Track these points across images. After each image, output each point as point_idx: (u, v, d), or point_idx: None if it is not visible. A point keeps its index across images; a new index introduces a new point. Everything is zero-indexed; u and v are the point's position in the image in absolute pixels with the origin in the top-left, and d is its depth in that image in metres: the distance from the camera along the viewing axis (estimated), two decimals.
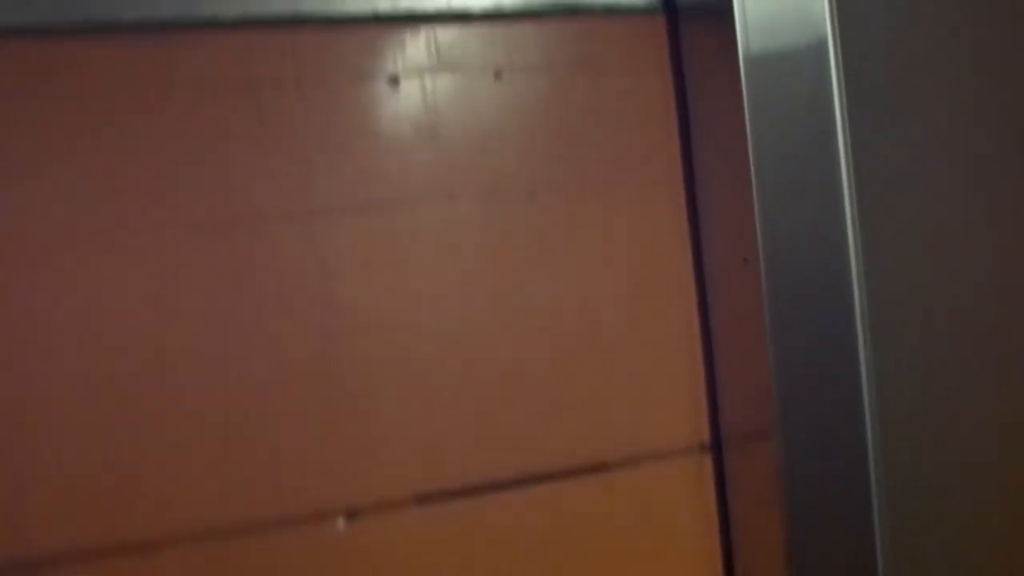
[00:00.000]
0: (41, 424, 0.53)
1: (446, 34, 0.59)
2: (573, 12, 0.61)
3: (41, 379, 0.53)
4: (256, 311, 0.56)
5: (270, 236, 0.56)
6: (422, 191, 0.59)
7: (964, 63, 0.60)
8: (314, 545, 0.56)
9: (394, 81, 0.58)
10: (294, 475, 0.56)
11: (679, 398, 0.63)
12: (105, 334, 0.54)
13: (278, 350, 0.57)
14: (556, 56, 0.61)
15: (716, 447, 0.64)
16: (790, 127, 0.56)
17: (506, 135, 0.60)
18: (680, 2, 0.63)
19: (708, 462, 0.64)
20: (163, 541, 0.54)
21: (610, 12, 0.62)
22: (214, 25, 0.56)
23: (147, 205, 0.55)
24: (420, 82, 0.59)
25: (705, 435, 0.64)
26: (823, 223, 0.57)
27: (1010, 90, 0.61)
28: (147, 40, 0.55)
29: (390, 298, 0.58)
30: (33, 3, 0.54)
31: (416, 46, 0.59)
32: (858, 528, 0.59)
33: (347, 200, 0.58)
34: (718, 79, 0.60)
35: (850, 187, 0.57)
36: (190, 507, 0.55)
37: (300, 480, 0.57)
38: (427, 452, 0.59)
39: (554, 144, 0.61)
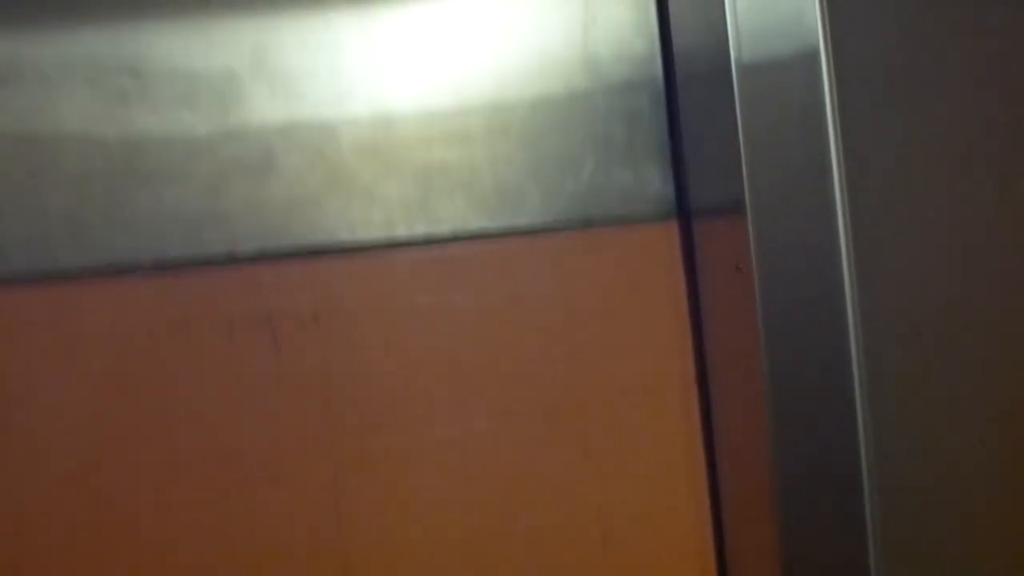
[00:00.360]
0: None
1: (463, 255, 0.59)
2: (587, 225, 0.61)
3: None
4: (273, 541, 0.56)
5: (288, 473, 0.56)
6: (438, 413, 0.59)
7: (957, 71, 0.59)
8: None
9: (412, 305, 0.58)
10: None
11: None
12: None
13: None
14: (571, 270, 0.61)
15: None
16: (783, 135, 0.56)
17: (521, 353, 0.60)
18: (693, 206, 0.64)
19: None
20: None
21: (623, 222, 0.62)
22: (231, 261, 0.56)
23: (163, 446, 0.55)
24: (438, 305, 0.59)
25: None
26: (816, 231, 0.57)
27: (1005, 97, 0.60)
28: (164, 279, 0.55)
29: (405, 523, 0.58)
30: (53, 248, 0.54)
31: (433, 269, 0.59)
32: (853, 543, 0.59)
33: (365, 423, 0.58)
34: (732, 279, 0.61)
35: (843, 196, 0.56)
36: None
37: None
38: None
39: (568, 358, 0.61)
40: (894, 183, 0.58)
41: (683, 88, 0.64)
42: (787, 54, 0.55)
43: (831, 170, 0.56)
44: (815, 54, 0.56)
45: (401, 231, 0.58)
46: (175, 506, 0.55)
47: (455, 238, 0.59)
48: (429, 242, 0.59)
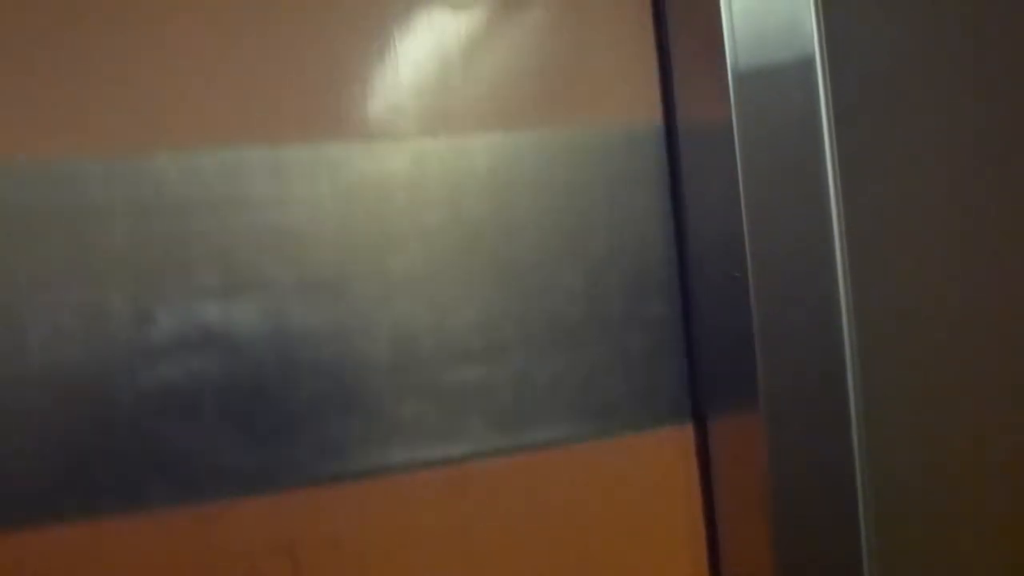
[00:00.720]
0: None
1: (481, 472, 0.60)
2: (604, 435, 0.62)
3: None
4: None
5: None
6: None
7: (950, 78, 0.60)
8: None
9: (430, 526, 0.59)
10: None
11: None
12: None
13: None
14: (588, 479, 0.62)
15: None
16: (778, 142, 0.56)
17: (538, 563, 0.61)
18: (707, 410, 0.64)
19: None
20: None
21: (640, 429, 0.63)
22: (252, 491, 0.56)
23: None
24: (456, 524, 0.59)
25: None
26: (811, 238, 0.57)
27: (996, 102, 0.60)
28: (185, 512, 0.55)
29: None
30: (69, 489, 0.54)
31: (451, 489, 0.59)
32: (845, 540, 0.60)
33: None
34: (746, 479, 0.62)
35: (837, 201, 0.56)
36: None
37: None
38: None
39: (585, 566, 0.62)
40: (887, 189, 0.57)
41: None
42: (782, 61, 0.54)
43: (827, 177, 0.55)
44: (810, 60, 0.56)
45: (420, 453, 0.59)
46: None
47: (473, 456, 0.60)
48: (447, 463, 0.59)
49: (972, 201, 0.60)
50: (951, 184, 0.60)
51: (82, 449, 0.55)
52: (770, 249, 0.56)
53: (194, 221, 0.56)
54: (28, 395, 0.54)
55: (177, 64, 0.55)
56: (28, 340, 0.54)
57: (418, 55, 0.59)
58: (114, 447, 0.55)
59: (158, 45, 0.55)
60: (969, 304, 0.61)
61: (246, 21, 0.56)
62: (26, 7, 0.53)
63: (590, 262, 0.62)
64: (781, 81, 0.56)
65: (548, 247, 0.61)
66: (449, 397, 0.59)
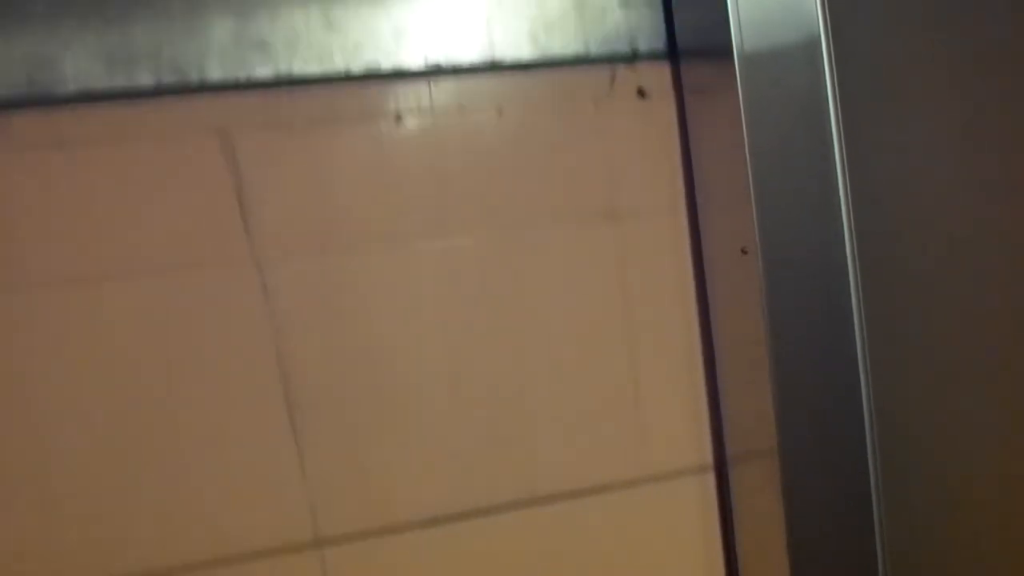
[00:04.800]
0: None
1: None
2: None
3: None
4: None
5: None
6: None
7: (955, 58, 0.61)
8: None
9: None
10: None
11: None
12: None
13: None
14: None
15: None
16: (785, 123, 0.56)
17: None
18: None
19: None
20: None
21: None
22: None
23: None
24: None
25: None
26: (819, 217, 0.57)
27: (1002, 85, 0.61)
28: None
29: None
30: None
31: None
32: (860, 532, 0.63)
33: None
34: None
35: (845, 182, 0.56)
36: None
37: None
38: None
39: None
40: (893, 168, 0.58)
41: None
42: (788, 42, 0.55)
43: (833, 157, 0.56)
44: (816, 41, 0.56)
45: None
46: None
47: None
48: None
49: (980, 182, 0.60)
50: (958, 165, 0.60)
51: None
52: (778, 229, 0.56)
53: None
54: None
55: None
56: None
57: None
58: None
59: None
60: (978, 283, 0.60)
61: None
62: None
63: None
64: (786, 63, 0.56)
65: None
66: None
